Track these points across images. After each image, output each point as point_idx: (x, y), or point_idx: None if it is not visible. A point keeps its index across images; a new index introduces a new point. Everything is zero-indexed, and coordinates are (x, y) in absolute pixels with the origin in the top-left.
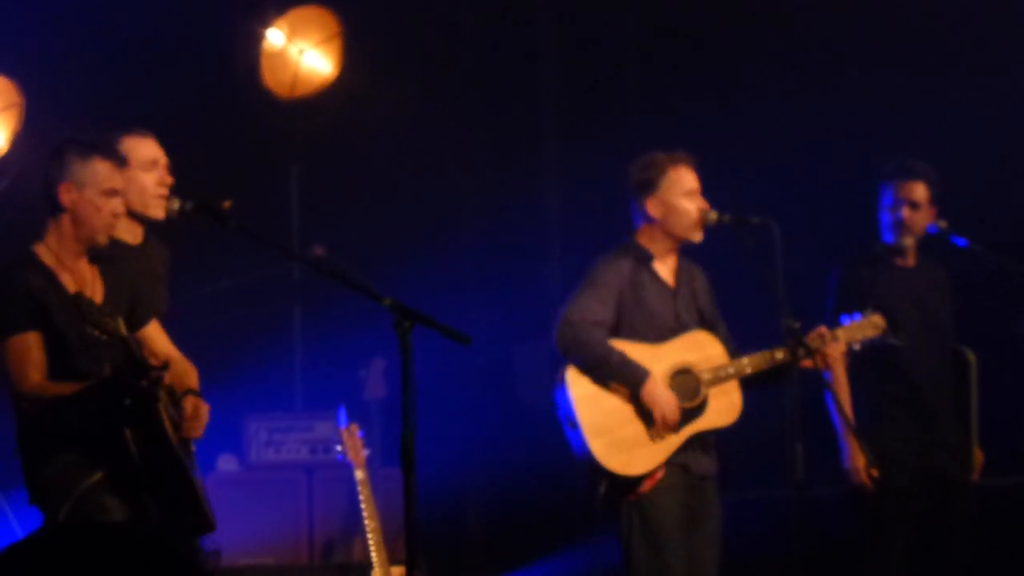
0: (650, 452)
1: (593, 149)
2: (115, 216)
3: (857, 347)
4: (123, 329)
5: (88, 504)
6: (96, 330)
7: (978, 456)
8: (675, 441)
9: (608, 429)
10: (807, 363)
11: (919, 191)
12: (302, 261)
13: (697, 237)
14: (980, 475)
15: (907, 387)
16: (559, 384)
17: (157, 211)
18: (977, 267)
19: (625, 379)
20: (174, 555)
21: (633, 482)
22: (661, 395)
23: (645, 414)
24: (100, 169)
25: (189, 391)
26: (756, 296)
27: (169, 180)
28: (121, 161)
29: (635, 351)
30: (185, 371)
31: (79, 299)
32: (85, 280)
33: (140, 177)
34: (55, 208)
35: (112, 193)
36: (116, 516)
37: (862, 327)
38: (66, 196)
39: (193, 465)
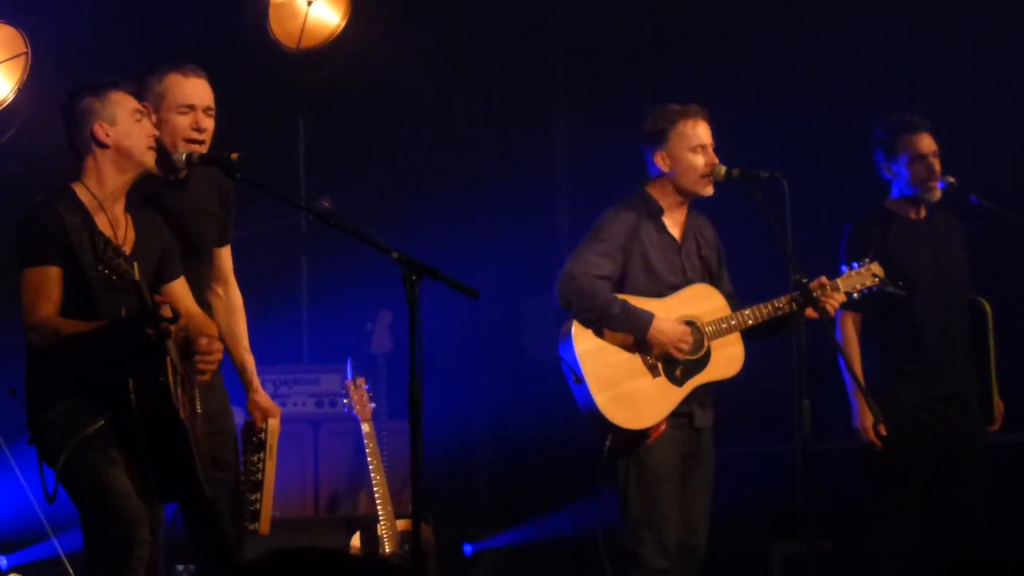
0: (655, 405)
1: (603, 103)
2: (151, 136)
3: (856, 296)
4: (136, 274)
5: (89, 450)
6: (107, 269)
7: (999, 406)
8: (680, 394)
9: (614, 383)
10: (810, 312)
11: (931, 141)
12: (309, 213)
13: (706, 191)
14: (998, 430)
15: (920, 341)
16: (564, 338)
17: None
18: (985, 222)
19: (630, 326)
20: None
21: (639, 435)
22: (671, 328)
23: (651, 366)
24: (118, 99)
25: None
26: (765, 250)
27: (204, 125)
28: (128, 85)
29: (638, 304)
30: (205, 323)
31: (95, 237)
32: (119, 225)
33: (173, 119)
34: (93, 148)
35: (139, 114)
36: (117, 466)
37: (861, 276)
38: (101, 133)
39: (199, 427)
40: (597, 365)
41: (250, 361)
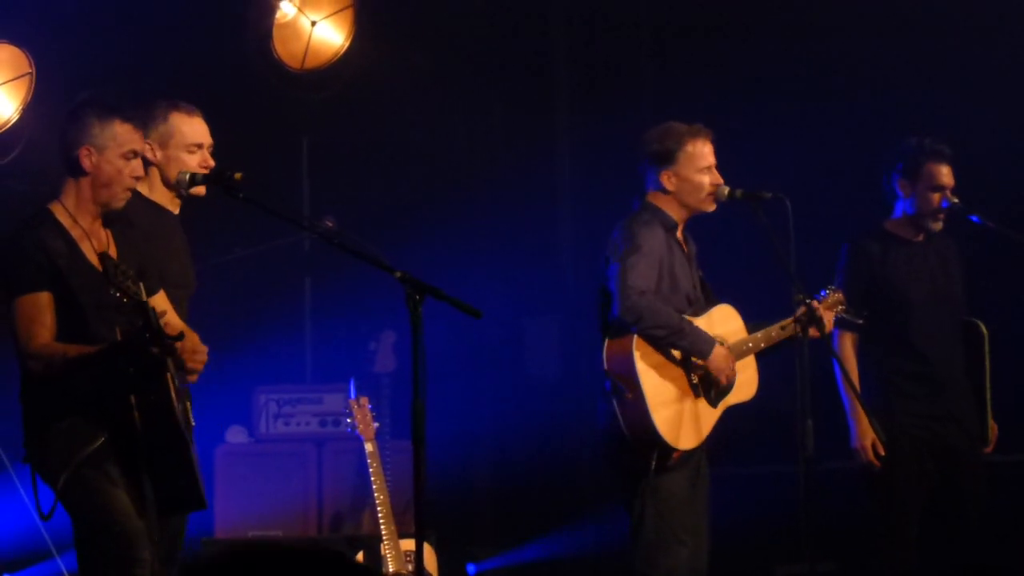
0: (697, 427)
1: (605, 121)
2: (135, 178)
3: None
4: (144, 294)
5: (89, 470)
6: (118, 292)
7: (993, 428)
8: (715, 415)
9: (668, 401)
10: (812, 332)
11: (951, 175)
12: (313, 233)
13: (710, 208)
14: (993, 451)
15: (917, 361)
16: (620, 353)
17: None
18: (986, 243)
19: (693, 347)
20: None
21: (670, 454)
22: (726, 357)
23: (693, 386)
24: (120, 132)
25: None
26: (768, 270)
27: (211, 163)
28: (141, 122)
29: None
30: (189, 337)
31: (105, 259)
32: (101, 242)
33: (183, 157)
34: (75, 171)
35: (132, 155)
36: (117, 485)
37: (828, 303)
38: (87, 160)
39: (191, 441)
40: (656, 382)
41: None
